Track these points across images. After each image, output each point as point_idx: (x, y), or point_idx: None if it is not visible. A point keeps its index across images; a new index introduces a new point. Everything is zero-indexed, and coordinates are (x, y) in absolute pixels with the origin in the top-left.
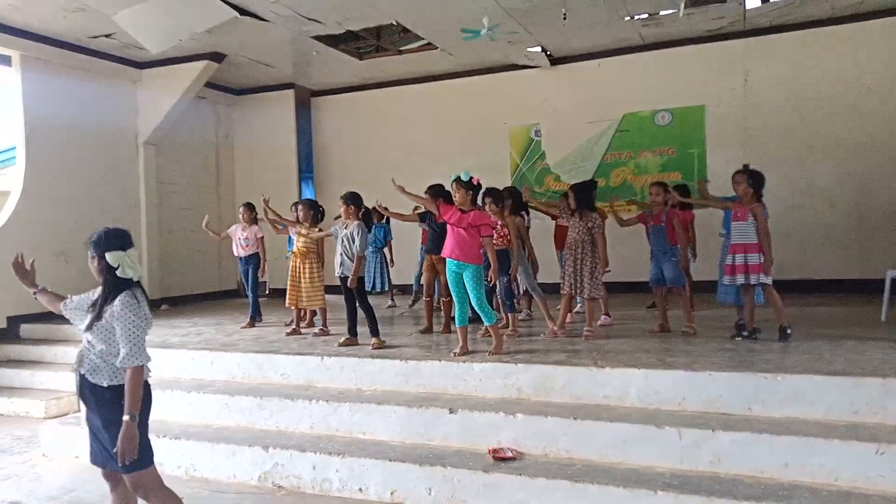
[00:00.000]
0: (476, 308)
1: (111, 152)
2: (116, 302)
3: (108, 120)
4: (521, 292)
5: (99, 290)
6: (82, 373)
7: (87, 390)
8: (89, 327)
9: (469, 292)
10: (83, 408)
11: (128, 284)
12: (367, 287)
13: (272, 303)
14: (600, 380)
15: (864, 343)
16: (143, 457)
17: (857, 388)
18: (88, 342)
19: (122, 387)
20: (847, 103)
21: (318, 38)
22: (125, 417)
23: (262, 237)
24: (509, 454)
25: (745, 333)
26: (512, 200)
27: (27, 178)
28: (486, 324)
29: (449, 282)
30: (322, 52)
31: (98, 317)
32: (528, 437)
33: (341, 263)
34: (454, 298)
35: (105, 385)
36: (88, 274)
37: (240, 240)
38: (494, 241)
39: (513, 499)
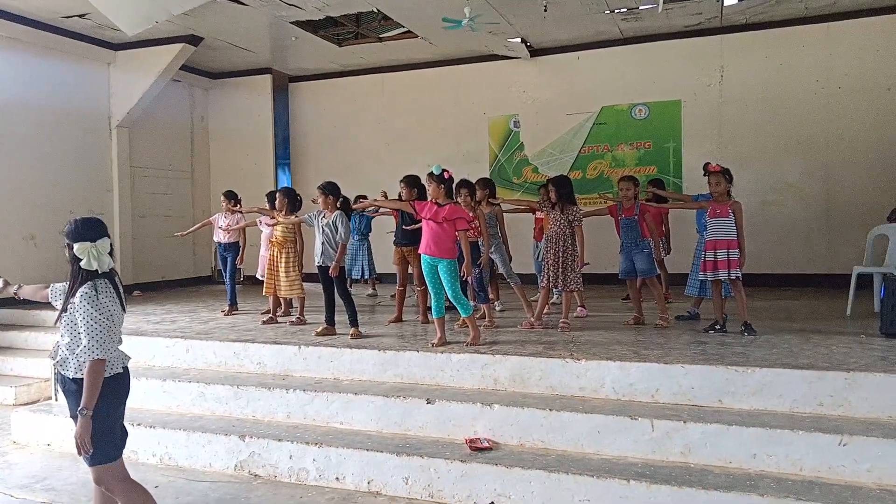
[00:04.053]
0: (452, 300)
1: (84, 135)
2: (78, 293)
3: (80, 102)
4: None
5: None
6: (55, 361)
7: (58, 377)
8: (58, 318)
9: (444, 285)
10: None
11: (92, 276)
12: (356, 276)
13: (246, 290)
14: (576, 371)
15: (829, 337)
16: (108, 451)
17: (822, 382)
18: (61, 334)
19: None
20: (818, 101)
21: (297, 23)
22: (80, 411)
23: (244, 226)
24: (485, 444)
25: (718, 326)
26: (488, 190)
27: None
28: (462, 315)
29: (424, 275)
30: (301, 38)
31: (64, 308)
32: (504, 428)
33: (322, 253)
34: (430, 291)
35: (71, 377)
36: (59, 257)
37: (221, 227)
38: (467, 234)
39: (488, 488)
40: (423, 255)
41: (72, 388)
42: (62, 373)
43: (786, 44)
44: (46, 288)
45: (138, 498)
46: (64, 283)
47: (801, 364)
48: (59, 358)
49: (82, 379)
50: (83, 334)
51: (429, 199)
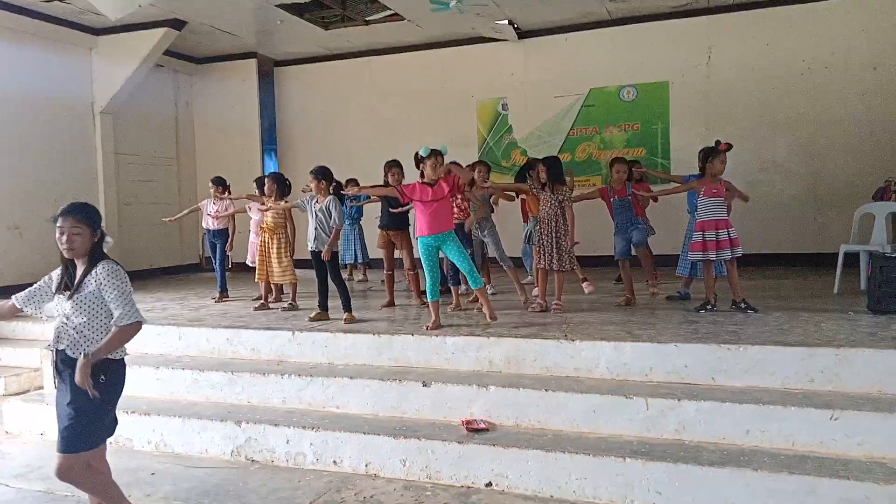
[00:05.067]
0: (466, 273)
1: (66, 122)
2: (101, 271)
3: (62, 88)
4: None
5: (55, 272)
6: (61, 348)
7: (65, 365)
8: (70, 297)
9: (456, 260)
10: (53, 384)
11: (105, 255)
12: (350, 260)
13: (236, 277)
14: (570, 352)
15: (818, 315)
16: (95, 437)
17: (812, 358)
18: (66, 318)
19: (104, 359)
20: (805, 81)
21: (283, 6)
22: (85, 353)
23: (233, 212)
24: (482, 425)
25: (709, 306)
26: (485, 172)
27: None
28: (473, 287)
29: (422, 257)
30: (286, 21)
31: (77, 289)
32: (500, 409)
33: (315, 238)
34: (426, 272)
35: None
36: (44, 247)
37: (210, 214)
38: (455, 215)
39: (486, 468)
40: (420, 238)
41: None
42: (73, 356)
43: (773, 24)
44: (6, 302)
45: (99, 480)
46: (27, 291)
47: (791, 341)
48: (67, 343)
49: (98, 361)
50: (118, 306)
51: (424, 179)
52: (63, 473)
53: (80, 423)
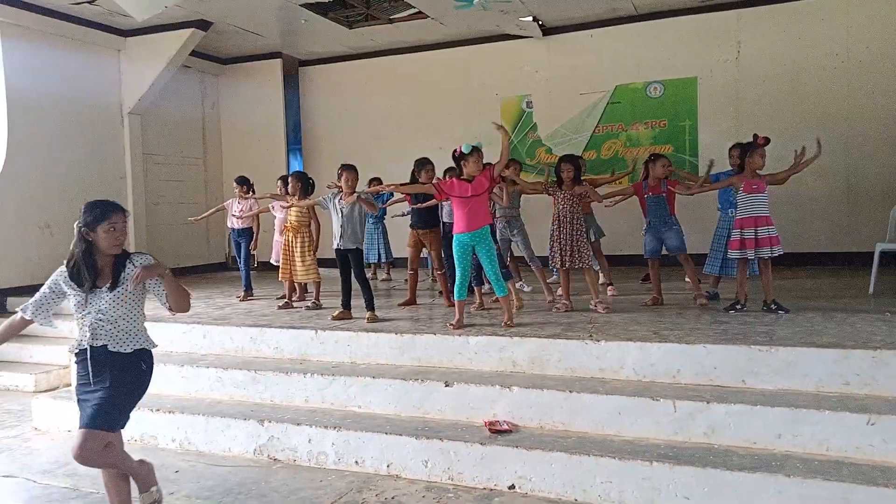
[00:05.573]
0: (492, 280)
1: (96, 122)
2: (141, 263)
3: (91, 89)
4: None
5: (60, 276)
6: (99, 344)
7: (105, 357)
8: (111, 291)
9: (484, 265)
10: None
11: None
12: (373, 259)
13: (261, 276)
14: (595, 353)
15: (853, 315)
16: (122, 418)
17: (847, 360)
18: (101, 313)
19: (143, 349)
20: (837, 75)
21: (307, 5)
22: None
23: (258, 211)
24: (505, 427)
25: (739, 306)
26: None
27: (10, 150)
28: (498, 295)
29: (455, 256)
30: (310, 21)
31: (118, 283)
32: (523, 410)
33: (341, 235)
34: (458, 271)
35: (130, 351)
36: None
37: (235, 213)
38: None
39: (509, 471)
40: (456, 236)
41: (128, 360)
42: (114, 350)
43: (804, 17)
44: (15, 316)
45: (115, 454)
46: (33, 301)
47: (825, 343)
48: (107, 338)
49: (140, 349)
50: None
51: (462, 175)
52: (81, 450)
53: (111, 403)
